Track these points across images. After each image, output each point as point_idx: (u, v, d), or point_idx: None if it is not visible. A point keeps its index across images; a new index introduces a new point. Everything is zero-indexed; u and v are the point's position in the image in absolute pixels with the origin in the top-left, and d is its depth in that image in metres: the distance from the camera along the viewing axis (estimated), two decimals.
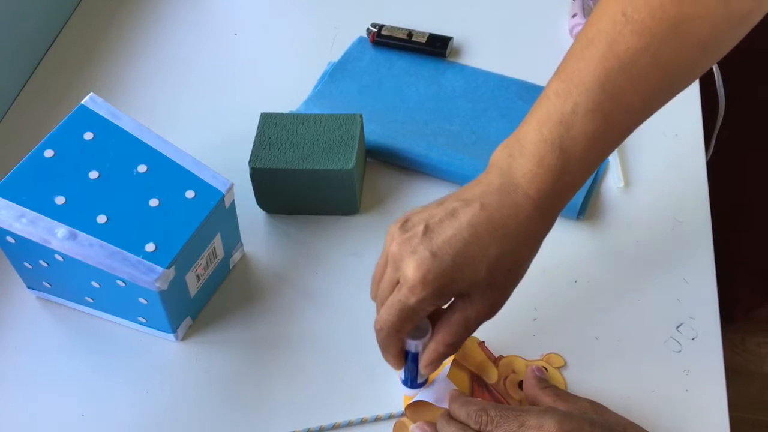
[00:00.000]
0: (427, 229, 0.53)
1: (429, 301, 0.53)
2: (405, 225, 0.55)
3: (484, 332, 0.66)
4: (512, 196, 0.53)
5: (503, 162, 0.55)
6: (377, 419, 0.62)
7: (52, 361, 0.66)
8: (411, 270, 0.52)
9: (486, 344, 0.65)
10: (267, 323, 0.68)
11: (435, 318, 0.57)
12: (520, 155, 0.54)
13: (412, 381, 0.61)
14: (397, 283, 0.54)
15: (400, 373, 0.61)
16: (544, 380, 0.60)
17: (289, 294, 0.70)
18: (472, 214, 0.53)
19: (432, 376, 0.62)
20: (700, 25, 0.51)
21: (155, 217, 0.63)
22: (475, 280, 0.53)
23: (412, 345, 0.57)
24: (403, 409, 0.62)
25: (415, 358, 0.58)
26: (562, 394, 0.58)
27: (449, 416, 0.56)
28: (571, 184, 0.54)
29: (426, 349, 0.57)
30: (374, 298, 0.59)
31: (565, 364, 0.64)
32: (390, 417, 0.62)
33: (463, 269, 0.53)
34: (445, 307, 0.57)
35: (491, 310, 0.56)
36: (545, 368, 0.63)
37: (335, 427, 0.61)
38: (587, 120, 0.52)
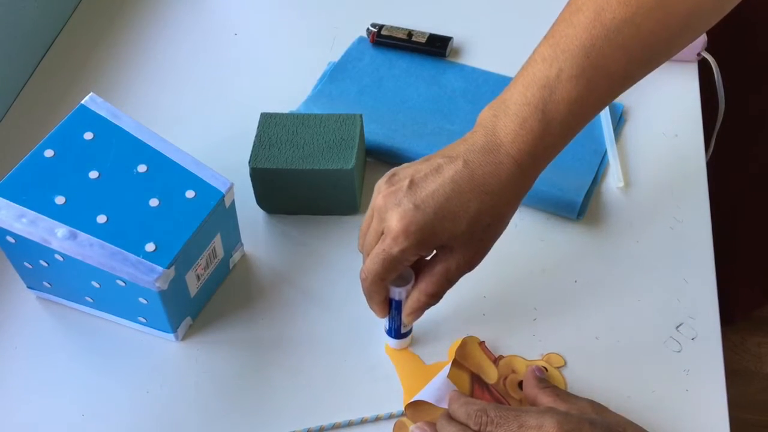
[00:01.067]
0: (411, 183, 0.56)
1: (411, 251, 0.56)
2: (392, 179, 0.58)
3: (484, 332, 0.66)
4: (495, 154, 0.56)
5: (488, 122, 0.57)
6: (377, 419, 0.62)
7: (52, 361, 0.66)
8: (395, 221, 0.55)
9: (486, 344, 0.65)
10: (267, 323, 0.68)
11: (418, 270, 0.60)
12: (504, 116, 0.56)
13: (396, 331, 0.63)
14: (382, 234, 0.57)
15: (384, 324, 0.64)
16: (544, 380, 0.60)
17: (289, 294, 0.70)
18: (455, 170, 0.55)
19: (432, 370, 0.62)
20: None
21: (155, 217, 0.63)
22: (456, 232, 0.56)
23: (396, 293, 0.60)
24: (403, 409, 0.62)
25: (399, 306, 0.61)
26: (561, 394, 0.58)
27: (449, 416, 0.57)
28: (552, 146, 0.56)
29: (409, 297, 0.60)
30: (361, 249, 0.61)
31: (565, 364, 0.64)
32: (390, 417, 0.62)
33: (444, 222, 0.55)
34: (428, 259, 0.60)
35: (471, 262, 0.58)
36: (545, 368, 0.63)
37: (335, 426, 0.61)
38: (570, 85, 0.54)
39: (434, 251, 0.59)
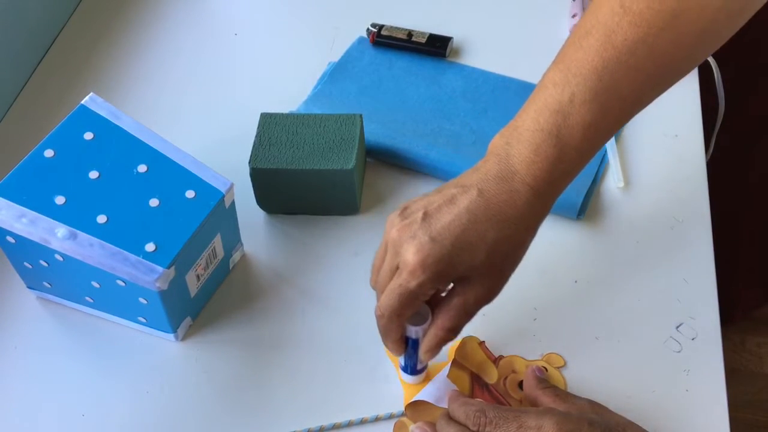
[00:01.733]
0: (426, 215, 0.54)
1: (428, 284, 0.54)
2: (404, 212, 0.56)
3: (484, 332, 0.66)
4: (510, 182, 0.54)
5: (501, 150, 0.55)
6: (377, 419, 0.62)
7: (52, 361, 0.66)
8: (410, 254, 0.53)
9: (486, 344, 0.65)
10: (267, 323, 0.68)
11: (435, 304, 0.58)
12: (518, 143, 0.54)
13: (412, 368, 0.61)
14: (397, 268, 0.55)
15: (400, 360, 0.61)
16: (544, 380, 0.60)
17: (289, 294, 0.70)
18: (470, 200, 0.54)
19: (432, 370, 0.62)
20: (698, 17, 0.52)
21: (155, 217, 0.63)
22: (474, 264, 0.54)
23: (413, 331, 0.58)
24: (403, 409, 0.62)
25: (416, 344, 0.58)
26: (561, 394, 0.58)
27: (448, 417, 0.57)
28: (567, 171, 0.55)
29: (426, 334, 0.58)
30: (374, 285, 0.59)
31: (565, 364, 0.64)
32: (390, 417, 0.62)
33: (462, 253, 0.53)
34: (444, 294, 0.58)
35: (489, 293, 0.57)
36: (545, 368, 0.63)
37: (335, 427, 0.61)
38: (584, 110, 0.53)
39: (451, 284, 0.57)
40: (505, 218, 0.54)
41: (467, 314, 0.57)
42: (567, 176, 0.56)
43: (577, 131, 0.54)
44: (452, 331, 0.57)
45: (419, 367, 0.61)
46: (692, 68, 0.56)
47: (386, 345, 0.59)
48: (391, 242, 0.55)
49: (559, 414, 0.53)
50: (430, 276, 0.53)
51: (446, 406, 0.58)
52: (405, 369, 0.62)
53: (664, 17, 0.51)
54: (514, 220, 0.54)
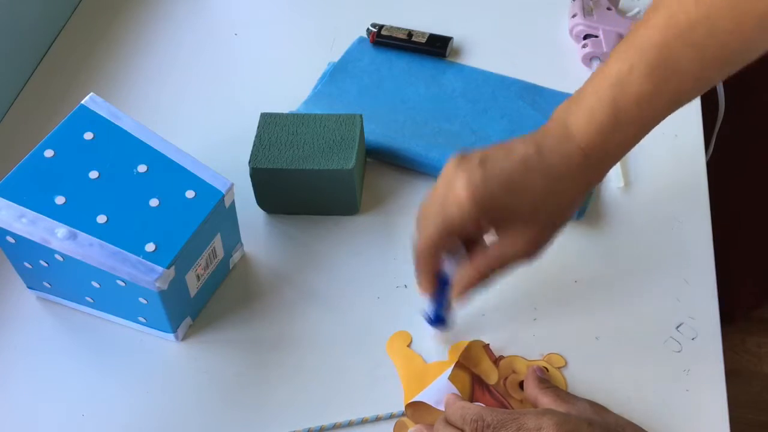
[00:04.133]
0: (483, 160, 0.57)
1: (472, 218, 0.56)
2: (463, 156, 0.59)
3: (484, 332, 0.66)
4: (565, 145, 0.57)
5: (562, 114, 0.58)
6: (378, 419, 0.62)
7: (52, 361, 0.66)
8: (461, 187, 0.56)
9: (490, 347, 0.65)
10: (267, 323, 0.68)
11: (472, 255, 0.60)
12: (577, 109, 0.57)
13: (436, 315, 0.63)
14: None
15: (427, 310, 0.63)
16: (545, 381, 0.60)
17: (289, 294, 0.70)
18: (526, 153, 0.57)
19: (433, 371, 0.62)
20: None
21: (155, 217, 0.63)
22: (520, 210, 0.57)
23: (447, 264, 0.60)
24: (403, 409, 0.62)
25: (446, 285, 0.61)
26: (562, 394, 0.58)
27: (446, 421, 0.56)
28: (622, 142, 0.57)
29: (459, 275, 0.60)
30: (419, 220, 0.61)
31: (566, 364, 0.64)
32: (390, 417, 0.62)
33: (509, 198, 0.56)
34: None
35: (528, 247, 0.59)
36: (546, 368, 0.63)
37: (336, 427, 0.61)
38: (641, 82, 0.54)
39: (492, 237, 0.59)
40: (557, 175, 0.57)
41: (502, 263, 0.59)
42: (621, 147, 0.57)
43: (633, 102, 0.55)
44: (484, 275, 0.59)
45: (446, 315, 0.63)
46: (756, 55, 0.55)
47: (419, 280, 0.62)
48: (444, 176, 0.58)
49: (559, 414, 0.53)
50: (475, 211, 0.56)
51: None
52: (431, 320, 0.64)
53: None
54: (566, 180, 0.57)
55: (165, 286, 0.61)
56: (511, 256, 0.59)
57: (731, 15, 0.52)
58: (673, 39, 0.54)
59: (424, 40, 0.88)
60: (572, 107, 0.58)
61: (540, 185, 0.57)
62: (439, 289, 0.61)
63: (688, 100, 0.57)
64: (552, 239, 0.60)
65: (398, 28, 0.89)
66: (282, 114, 0.75)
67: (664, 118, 0.58)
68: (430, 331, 0.65)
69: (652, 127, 0.57)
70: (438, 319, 0.64)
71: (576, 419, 0.52)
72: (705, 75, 0.56)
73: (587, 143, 0.56)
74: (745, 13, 0.52)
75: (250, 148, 0.73)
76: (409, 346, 0.65)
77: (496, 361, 0.64)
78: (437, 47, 0.87)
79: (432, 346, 0.66)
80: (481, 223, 0.58)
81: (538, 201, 0.57)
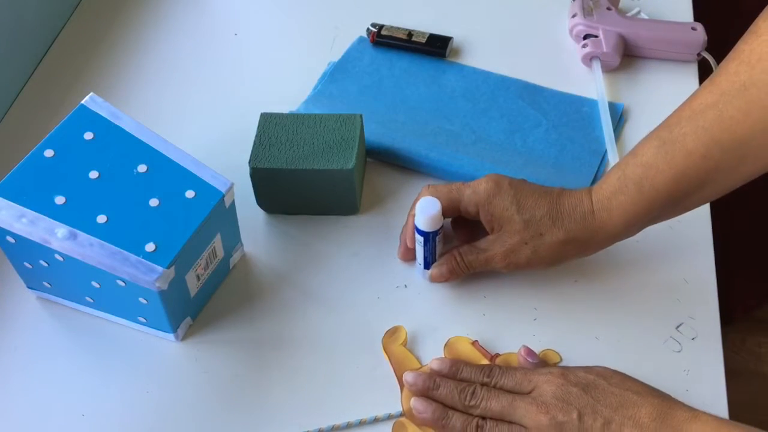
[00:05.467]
0: (515, 181, 0.66)
1: (477, 198, 0.64)
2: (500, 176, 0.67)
3: (484, 332, 0.66)
4: (580, 195, 0.64)
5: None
6: (376, 420, 0.62)
7: (52, 361, 0.66)
8: (485, 179, 0.65)
9: (479, 343, 0.65)
10: (267, 323, 0.68)
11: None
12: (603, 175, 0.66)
13: (426, 262, 0.68)
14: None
15: (417, 261, 0.69)
16: (537, 364, 0.62)
17: (289, 294, 0.70)
18: (550, 189, 0.65)
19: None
20: (767, 92, 0.56)
21: (155, 217, 0.63)
22: (514, 219, 0.64)
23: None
24: (401, 410, 0.62)
25: (437, 234, 0.66)
26: (555, 371, 0.59)
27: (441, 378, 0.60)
28: (625, 205, 0.62)
29: (441, 259, 0.68)
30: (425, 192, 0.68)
31: (561, 360, 0.64)
32: (389, 417, 0.62)
33: (513, 205, 0.64)
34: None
35: (503, 255, 0.65)
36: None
37: (334, 428, 0.61)
38: (650, 151, 0.61)
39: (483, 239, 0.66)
40: (562, 211, 0.64)
41: (479, 256, 0.66)
42: (624, 209, 0.62)
43: (638, 169, 0.61)
44: (461, 264, 0.66)
45: (436, 259, 0.68)
46: (765, 141, 0.59)
47: (403, 249, 0.70)
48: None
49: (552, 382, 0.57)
50: (483, 192, 0.64)
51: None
52: (425, 265, 0.69)
53: (736, 87, 0.57)
54: (567, 218, 0.63)
55: (165, 286, 0.61)
56: (488, 254, 0.65)
57: (739, 104, 0.57)
58: (684, 120, 0.60)
59: (424, 40, 0.88)
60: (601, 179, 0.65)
61: (542, 210, 0.63)
62: (428, 240, 0.66)
63: (698, 181, 0.60)
64: (527, 266, 0.65)
65: (398, 28, 0.89)
66: (282, 114, 0.75)
67: (667, 198, 0.61)
68: (424, 274, 0.69)
69: (655, 199, 0.61)
70: (428, 265, 0.68)
71: (563, 383, 0.57)
72: (712, 155, 0.59)
73: (597, 200, 0.63)
74: (752, 102, 0.57)
75: (250, 148, 0.73)
76: (404, 344, 0.65)
77: (492, 358, 0.64)
78: (437, 47, 0.87)
79: (428, 344, 0.66)
80: (480, 208, 0.64)
81: (533, 220, 0.63)
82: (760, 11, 0.58)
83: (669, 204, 0.62)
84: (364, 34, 0.90)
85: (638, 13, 0.90)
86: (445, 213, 0.66)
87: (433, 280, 0.68)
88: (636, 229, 0.64)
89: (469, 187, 0.65)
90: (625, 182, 0.62)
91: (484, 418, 0.57)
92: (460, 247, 0.67)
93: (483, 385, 0.59)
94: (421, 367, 0.64)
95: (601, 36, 0.85)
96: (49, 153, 0.65)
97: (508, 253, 0.64)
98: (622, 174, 0.62)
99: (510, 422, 0.56)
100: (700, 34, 0.85)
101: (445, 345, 0.65)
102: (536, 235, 0.63)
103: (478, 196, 0.65)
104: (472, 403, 0.58)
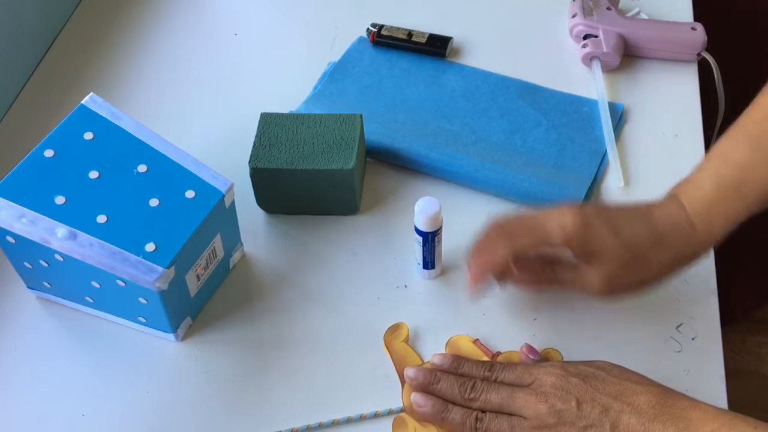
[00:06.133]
0: (599, 206, 0.64)
1: (565, 232, 0.59)
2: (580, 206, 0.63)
3: (484, 332, 0.66)
4: (674, 209, 0.61)
5: (672, 189, 0.63)
6: (376, 415, 0.62)
7: (52, 361, 0.66)
8: (569, 210, 0.60)
9: (480, 342, 0.65)
10: (267, 323, 0.68)
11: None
12: (686, 182, 0.63)
13: (425, 261, 0.68)
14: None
15: (416, 260, 0.69)
16: (538, 361, 0.62)
17: (289, 294, 0.70)
18: (637, 207, 0.62)
19: None
20: None
21: (155, 217, 0.63)
22: (611, 249, 0.59)
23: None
24: (401, 405, 0.62)
25: (435, 235, 0.66)
26: (556, 365, 0.59)
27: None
28: (727, 212, 0.60)
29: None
30: (512, 228, 0.63)
31: (562, 358, 0.64)
32: (389, 413, 0.62)
33: (609, 233, 0.59)
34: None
35: (601, 287, 0.61)
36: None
37: (334, 423, 0.61)
38: (742, 153, 0.60)
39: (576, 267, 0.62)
40: (661, 231, 0.60)
41: (572, 287, 0.63)
42: (725, 217, 0.60)
43: (735, 171, 0.60)
44: (543, 287, 0.65)
45: (435, 262, 0.69)
46: None
47: (477, 276, 0.63)
48: (554, 208, 0.61)
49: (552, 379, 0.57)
50: (571, 225, 0.59)
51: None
52: (424, 264, 0.68)
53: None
54: (668, 242, 0.60)
55: (165, 286, 0.61)
56: (581, 286, 0.62)
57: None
58: (732, 134, 0.60)
59: (424, 40, 0.88)
60: (682, 182, 0.62)
61: (643, 236, 0.60)
62: (427, 240, 0.66)
63: (753, 198, 0.60)
64: (630, 291, 0.62)
65: (398, 28, 0.89)
66: (282, 114, 0.75)
67: (766, 191, 0.60)
68: (424, 274, 0.69)
69: (756, 200, 0.60)
70: (427, 265, 0.68)
71: (565, 375, 0.56)
72: (753, 164, 0.59)
73: (694, 211, 0.60)
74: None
75: (250, 148, 0.73)
76: (406, 341, 0.65)
77: (494, 356, 0.64)
78: (437, 47, 0.87)
79: (429, 343, 0.66)
80: (572, 245, 0.60)
81: (633, 244, 0.59)
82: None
83: None
84: (364, 34, 0.90)
85: (638, 13, 0.90)
86: (524, 251, 0.62)
87: (516, 286, 0.66)
88: (732, 230, 0.62)
89: (553, 227, 0.59)
90: (724, 188, 0.59)
91: (483, 411, 0.57)
92: (550, 261, 0.63)
93: (484, 379, 0.59)
94: (422, 364, 0.64)
95: (601, 36, 0.85)
96: (49, 153, 0.65)
97: (612, 278, 0.60)
98: (717, 179, 0.59)
99: (510, 414, 0.56)
100: (700, 34, 0.85)
101: (447, 343, 0.65)
102: (640, 259, 0.60)
103: (568, 235, 0.59)
104: (472, 396, 0.58)
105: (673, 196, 0.62)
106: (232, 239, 0.70)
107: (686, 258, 0.61)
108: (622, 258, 0.59)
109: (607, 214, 0.61)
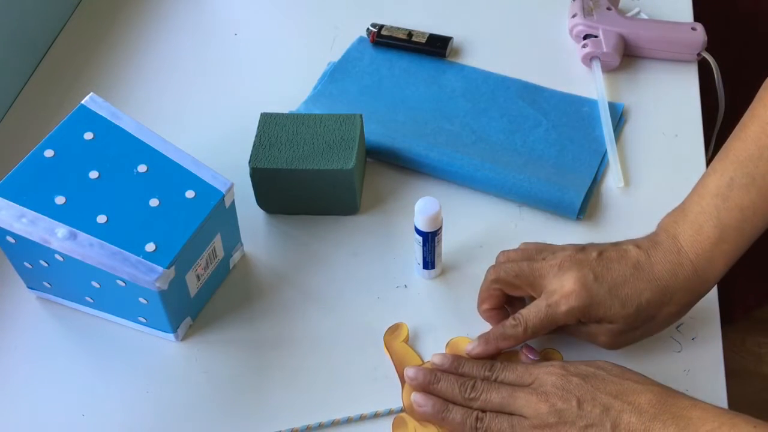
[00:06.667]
0: (600, 257, 0.60)
1: (575, 313, 0.59)
2: (584, 248, 0.62)
3: (484, 332, 0.66)
4: (676, 256, 0.60)
5: (669, 226, 0.61)
6: (376, 415, 0.62)
7: (52, 361, 0.66)
8: (572, 281, 0.59)
9: None
10: (267, 323, 0.68)
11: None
12: (683, 222, 0.61)
13: (425, 261, 0.68)
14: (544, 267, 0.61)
15: (416, 259, 0.69)
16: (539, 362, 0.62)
17: (289, 294, 0.70)
18: (638, 258, 0.60)
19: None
20: None
21: (155, 217, 0.63)
22: (622, 314, 0.59)
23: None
24: (402, 405, 0.62)
25: (436, 234, 0.66)
26: (556, 365, 0.59)
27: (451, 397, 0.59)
28: (728, 252, 0.59)
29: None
30: (505, 260, 0.64)
31: (562, 358, 0.64)
32: (389, 413, 0.62)
33: (614, 300, 0.59)
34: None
35: (609, 343, 0.61)
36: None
37: (334, 423, 0.61)
38: (742, 193, 0.58)
39: (584, 325, 0.61)
40: (664, 285, 0.59)
41: (587, 332, 0.62)
42: (727, 256, 0.60)
43: (735, 213, 0.58)
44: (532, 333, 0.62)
45: (435, 262, 0.68)
46: None
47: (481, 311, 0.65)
48: (561, 259, 0.61)
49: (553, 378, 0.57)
50: (579, 306, 0.59)
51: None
52: (424, 264, 0.68)
53: None
54: (671, 291, 0.59)
55: (165, 286, 0.61)
56: (586, 338, 0.62)
57: None
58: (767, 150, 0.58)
59: (424, 40, 0.88)
60: (679, 221, 0.61)
61: (646, 295, 0.59)
62: (427, 240, 0.66)
63: None
64: (636, 341, 0.62)
65: (398, 28, 0.89)
66: (282, 114, 0.75)
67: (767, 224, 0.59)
68: (424, 274, 0.69)
69: (757, 235, 0.59)
70: (427, 265, 0.68)
71: (566, 375, 0.56)
72: None
73: (696, 255, 0.59)
74: None
75: (250, 148, 0.73)
76: (406, 341, 0.65)
77: (494, 357, 0.64)
78: (437, 47, 0.87)
79: (429, 344, 0.66)
80: (579, 317, 0.60)
81: (641, 308, 0.59)
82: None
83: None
84: (364, 34, 0.90)
85: (638, 13, 0.90)
86: (536, 336, 0.62)
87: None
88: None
89: (560, 303, 0.59)
90: (725, 230, 0.59)
91: (484, 411, 0.57)
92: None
93: (484, 379, 0.59)
94: (422, 364, 0.64)
95: (601, 36, 0.85)
96: (49, 153, 0.65)
97: (619, 336, 0.61)
98: (719, 222, 0.59)
99: (510, 414, 0.56)
100: (700, 34, 0.85)
101: (447, 344, 0.65)
102: (648, 320, 0.60)
103: (573, 309, 0.59)
104: (472, 395, 0.58)
105: (672, 238, 0.61)
106: (232, 239, 0.70)
107: (691, 305, 0.62)
108: (630, 323, 0.60)
109: (609, 278, 0.59)
